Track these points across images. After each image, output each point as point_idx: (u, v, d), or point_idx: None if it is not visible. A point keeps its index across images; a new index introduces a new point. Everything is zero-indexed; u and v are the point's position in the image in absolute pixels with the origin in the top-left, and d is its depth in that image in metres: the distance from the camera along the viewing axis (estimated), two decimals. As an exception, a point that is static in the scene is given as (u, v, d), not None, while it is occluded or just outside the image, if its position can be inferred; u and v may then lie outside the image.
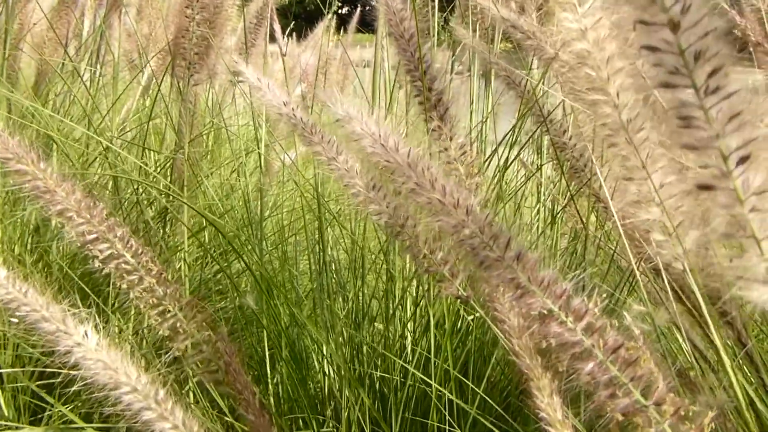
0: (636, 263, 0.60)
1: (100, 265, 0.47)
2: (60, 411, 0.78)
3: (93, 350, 0.41)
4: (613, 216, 0.61)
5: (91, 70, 1.27)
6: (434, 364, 0.79)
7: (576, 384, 0.33)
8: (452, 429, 0.75)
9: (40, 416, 0.83)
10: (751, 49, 0.79)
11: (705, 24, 0.24)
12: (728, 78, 0.25)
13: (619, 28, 0.48)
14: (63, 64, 1.23)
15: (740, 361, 0.60)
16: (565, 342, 0.33)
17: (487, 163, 0.93)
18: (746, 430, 0.52)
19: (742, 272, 0.27)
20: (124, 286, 0.48)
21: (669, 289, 0.53)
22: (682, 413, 0.33)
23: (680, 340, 0.69)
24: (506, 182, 1.02)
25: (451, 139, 0.57)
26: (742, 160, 0.25)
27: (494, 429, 0.69)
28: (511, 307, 0.45)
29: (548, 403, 0.38)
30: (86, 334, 0.41)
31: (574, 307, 0.33)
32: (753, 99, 0.27)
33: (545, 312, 0.33)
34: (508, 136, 0.90)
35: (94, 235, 0.46)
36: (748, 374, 0.63)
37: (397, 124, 0.36)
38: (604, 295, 0.36)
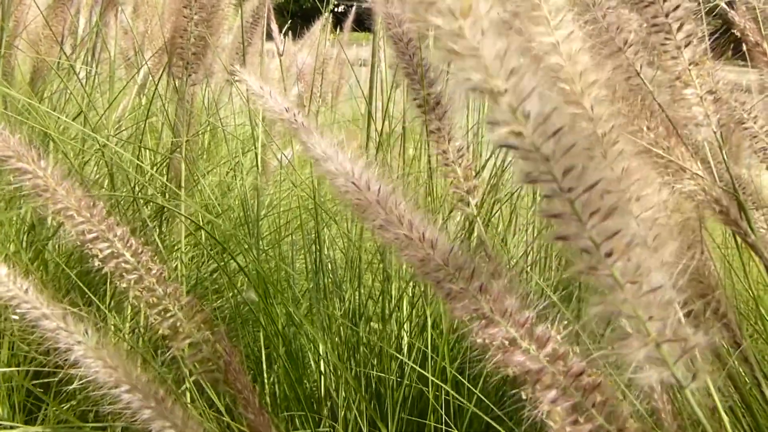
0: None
1: (100, 264, 0.47)
2: (55, 410, 0.78)
3: (93, 348, 0.41)
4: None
5: (87, 68, 1.27)
6: (431, 363, 0.79)
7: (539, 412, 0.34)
8: (449, 429, 0.75)
9: (35, 416, 0.82)
10: (746, 49, 0.80)
11: (551, 123, 0.24)
12: (585, 173, 0.25)
13: (618, 33, 0.49)
14: (59, 61, 1.22)
15: (736, 361, 0.61)
16: (527, 370, 0.33)
17: (484, 165, 0.93)
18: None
19: (632, 355, 0.27)
20: (124, 285, 0.48)
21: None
22: None
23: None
24: (503, 184, 1.03)
25: (449, 142, 0.58)
26: (608, 254, 0.26)
27: (490, 428, 0.69)
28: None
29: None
30: (86, 333, 0.41)
31: (537, 334, 0.33)
32: (615, 187, 0.27)
33: (507, 342, 0.33)
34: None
35: (94, 234, 0.46)
36: (743, 374, 0.64)
37: (368, 163, 0.37)
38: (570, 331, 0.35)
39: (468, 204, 0.60)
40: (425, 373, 0.76)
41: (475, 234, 0.67)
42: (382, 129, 0.95)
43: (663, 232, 0.30)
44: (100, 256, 0.46)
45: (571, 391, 0.32)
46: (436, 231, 0.36)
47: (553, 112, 0.24)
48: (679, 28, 0.50)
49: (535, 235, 1.03)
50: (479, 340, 0.41)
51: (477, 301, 0.34)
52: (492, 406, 0.74)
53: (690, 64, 0.51)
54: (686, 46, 0.51)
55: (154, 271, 0.48)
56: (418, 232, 0.35)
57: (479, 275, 0.35)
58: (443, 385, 0.74)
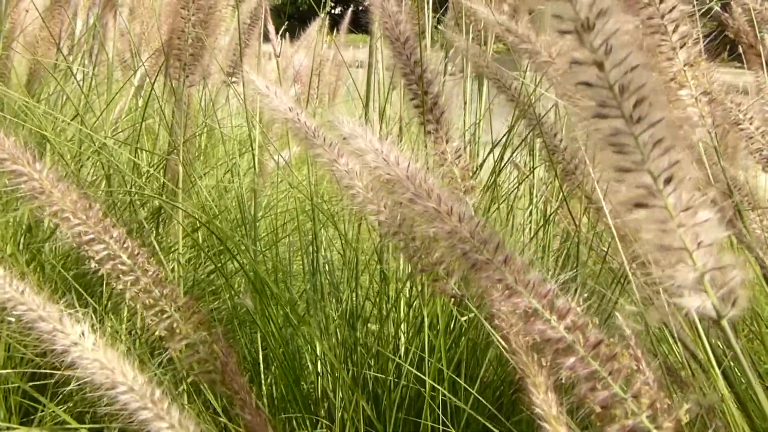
0: (628, 264, 0.61)
1: (96, 266, 0.47)
2: (52, 412, 0.78)
3: (90, 350, 0.41)
4: (605, 216, 0.62)
5: (83, 70, 1.26)
6: (428, 364, 0.79)
7: (559, 378, 0.35)
8: (446, 429, 0.75)
9: (32, 417, 0.82)
10: (742, 51, 0.80)
11: (629, 61, 0.27)
12: (652, 107, 0.28)
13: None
14: (56, 63, 1.22)
15: (730, 361, 0.61)
16: (548, 338, 0.34)
17: (481, 165, 0.94)
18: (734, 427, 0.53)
19: (677, 281, 0.30)
20: (120, 287, 0.48)
21: (660, 288, 0.54)
22: (659, 405, 0.35)
23: (671, 340, 0.70)
24: (500, 184, 1.03)
25: (446, 143, 0.58)
26: (668, 180, 0.28)
27: (487, 428, 0.69)
28: (507, 306, 0.46)
29: (544, 399, 0.39)
30: (83, 334, 0.41)
31: (558, 306, 0.35)
32: (674, 125, 0.30)
33: (530, 311, 0.35)
34: (499, 137, 0.91)
35: (91, 236, 0.46)
36: (738, 374, 0.64)
37: (396, 139, 0.40)
38: (596, 296, 0.37)
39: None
40: (422, 376, 0.76)
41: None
42: (379, 130, 0.95)
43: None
44: (97, 257, 0.46)
45: (589, 359, 0.34)
46: (463, 205, 0.38)
47: (632, 53, 0.27)
48: (675, 30, 0.50)
49: (532, 236, 1.03)
50: (503, 308, 0.42)
51: (501, 272, 0.36)
52: (489, 406, 0.74)
53: (685, 65, 0.52)
54: (681, 47, 0.51)
55: (150, 273, 0.48)
56: (447, 206, 0.37)
57: (504, 248, 0.36)
58: (439, 388, 0.74)
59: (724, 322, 0.31)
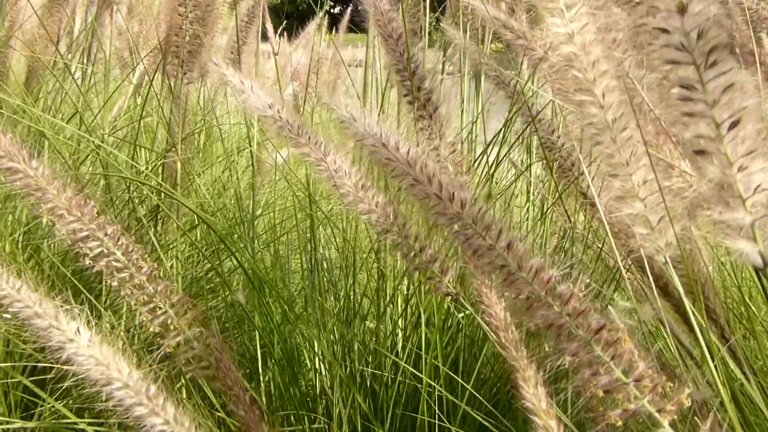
0: (622, 260, 0.61)
1: (91, 263, 0.48)
2: (52, 407, 0.78)
3: (85, 346, 0.41)
4: (599, 212, 0.62)
5: (82, 68, 1.27)
6: (425, 360, 0.80)
7: (561, 363, 0.35)
8: (442, 424, 0.76)
9: (32, 412, 0.83)
10: (737, 50, 0.80)
11: (707, 11, 0.28)
12: (724, 55, 0.28)
13: (606, 30, 0.50)
14: (54, 61, 1.23)
15: (724, 356, 0.61)
16: (551, 324, 0.35)
17: (477, 162, 0.94)
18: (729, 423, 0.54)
19: (729, 224, 0.30)
20: (115, 283, 0.48)
21: (654, 285, 0.54)
22: (661, 390, 0.35)
23: (666, 336, 0.70)
24: (496, 181, 1.03)
25: (440, 138, 0.58)
26: (733, 125, 0.29)
27: (484, 424, 0.70)
28: (497, 301, 0.47)
29: (533, 393, 0.39)
30: (78, 331, 0.42)
31: (560, 292, 0.35)
32: (745, 74, 0.30)
33: (533, 296, 0.35)
34: (498, 135, 0.91)
35: (85, 233, 0.46)
36: (733, 370, 0.65)
37: (396, 124, 0.39)
38: (590, 290, 0.37)
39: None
40: (418, 374, 0.77)
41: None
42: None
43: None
44: (91, 254, 0.47)
45: (591, 344, 0.34)
46: (465, 192, 0.38)
47: (711, 4, 0.28)
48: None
49: (528, 232, 1.04)
50: (494, 302, 0.42)
51: (504, 258, 0.35)
52: (485, 402, 0.74)
53: (678, 63, 0.52)
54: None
55: (144, 270, 0.48)
56: (448, 192, 0.37)
57: (506, 234, 0.36)
58: (435, 385, 0.74)
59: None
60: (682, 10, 0.28)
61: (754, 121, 0.29)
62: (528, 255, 0.36)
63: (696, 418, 0.51)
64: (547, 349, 0.37)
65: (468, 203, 0.36)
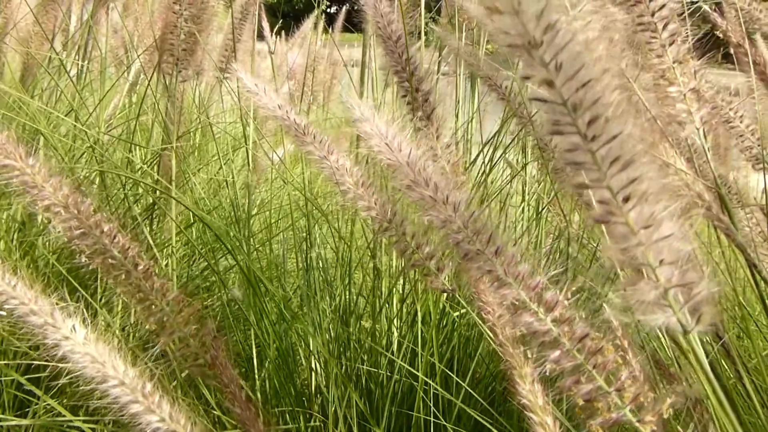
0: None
1: (87, 260, 0.48)
2: (46, 405, 0.78)
3: (81, 344, 0.41)
4: (593, 213, 0.62)
5: (78, 66, 1.26)
6: (420, 358, 0.80)
7: (543, 371, 0.35)
8: (438, 421, 0.76)
9: (26, 410, 0.83)
10: (733, 51, 0.81)
11: (581, 77, 0.25)
12: (608, 124, 0.26)
13: (605, 31, 0.50)
14: (50, 59, 1.22)
15: (717, 355, 0.62)
16: (535, 331, 0.35)
17: (473, 162, 0.94)
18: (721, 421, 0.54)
19: (641, 297, 0.29)
20: (111, 281, 0.48)
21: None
22: (642, 399, 0.35)
23: (661, 335, 0.71)
24: (492, 181, 1.04)
25: (437, 139, 0.58)
26: (626, 198, 0.27)
27: (479, 421, 0.70)
28: (494, 299, 0.47)
29: (530, 390, 0.40)
30: (74, 328, 0.42)
31: (546, 298, 0.35)
32: (633, 141, 0.29)
33: (518, 302, 0.35)
34: (493, 136, 0.92)
35: (81, 231, 0.46)
36: (726, 368, 0.65)
37: (401, 127, 0.40)
38: (585, 290, 0.37)
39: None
40: (415, 372, 0.77)
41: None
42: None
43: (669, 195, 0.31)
44: (87, 252, 0.46)
45: (574, 353, 0.34)
46: (459, 195, 0.38)
47: (583, 67, 0.25)
48: (665, 27, 0.51)
49: (523, 232, 1.04)
50: (491, 299, 0.42)
51: (492, 263, 0.36)
52: (480, 400, 0.74)
53: (674, 62, 0.52)
54: (671, 44, 0.52)
55: (140, 267, 0.48)
56: (443, 195, 0.37)
57: (496, 240, 0.36)
58: (431, 383, 0.74)
59: (691, 337, 0.31)
60: (550, 83, 0.25)
61: (653, 188, 0.27)
62: (516, 260, 0.36)
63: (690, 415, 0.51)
64: (529, 355, 0.37)
65: (460, 207, 0.37)
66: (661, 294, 0.29)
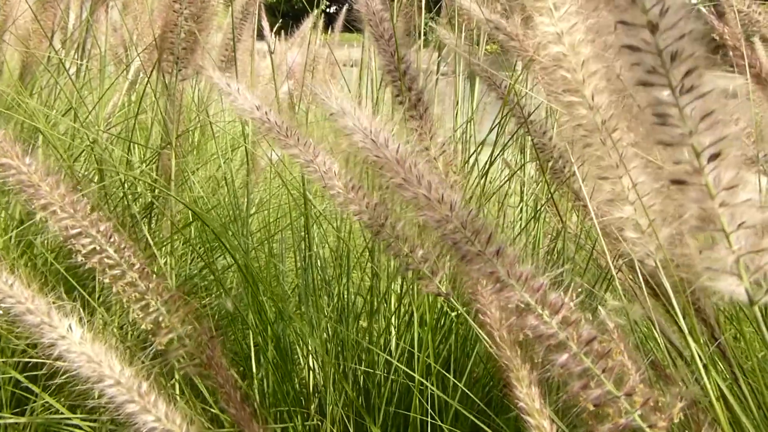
0: (613, 260, 0.61)
1: (83, 259, 0.48)
2: (44, 402, 0.78)
3: (77, 343, 0.42)
4: (590, 214, 0.62)
5: (77, 64, 1.26)
6: (417, 359, 0.80)
7: (551, 375, 0.34)
8: (434, 422, 0.76)
9: (24, 408, 0.83)
10: (731, 54, 0.81)
11: (682, 26, 0.25)
12: (702, 78, 0.26)
13: (596, 32, 0.50)
14: (48, 57, 1.22)
15: (713, 356, 0.62)
16: (540, 334, 0.34)
17: (470, 161, 0.94)
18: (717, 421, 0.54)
19: (711, 264, 0.28)
20: (107, 280, 0.48)
21: (644, 285, 0.54)
22: (652, 404, 0.34)
23: (657, 337, 0.71)
24: (490, 181, 1.04)
25: (431, 138, 0.58)
26: (713, 157, 0.26)
27: (476, 422, 0.70)
28: (492, 301, 0.46)
29: (527, 393, 0.39)
30: (70, 328, 0.42)
31: (551, 301, 0.34)
32: (725, 99, 0.28)
33: (522, 305, 0.34)
34: (491, 136, 0.92)
35: (78, 230, 0.46)
36: (723, 369, 0.65)
37: (386, 121, 0.37)
38: (582, 291, 0.36)
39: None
40: (411, 373, 0.77)
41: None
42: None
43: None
44: (84, 251, 0.47)
45: (581, 356, 0.33)
46: (455, 194, 0.36)
47: (684, 18, 0.24)
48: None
49: (520, 232, 1.04)
50: (492, 303, 0.41)
51: (493, 264, 0.34)
52: (477, 401, 0.75)
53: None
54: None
55: (136, 267, 0.48)
56: (438, 194, 0.35)
57: (496, 240, 0.35)
58: (427, 384, 0.75)
59: (756, 308, 0.29)
60: (653, 27, 0.24)
61: (736, 150, 0.27)
62: (518, 261, 0.35)
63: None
64: (535, 360, 0.36)
65: (457, 205, 0.35)
66: (734, 261, 0.28)
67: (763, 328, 0.38)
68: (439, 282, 0.52)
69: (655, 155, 0.60)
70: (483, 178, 0.90)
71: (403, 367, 0.81)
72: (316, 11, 1.66)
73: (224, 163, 1.20)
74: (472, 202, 0.88)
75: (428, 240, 0.46)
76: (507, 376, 0.43)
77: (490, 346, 0.46)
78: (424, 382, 0.75)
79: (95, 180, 1.06)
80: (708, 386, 0.50)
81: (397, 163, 0.35)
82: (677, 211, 0.30)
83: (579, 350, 0.33)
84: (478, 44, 1.06)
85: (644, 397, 0.34)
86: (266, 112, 0.39)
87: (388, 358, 0.84)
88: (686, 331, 0.50)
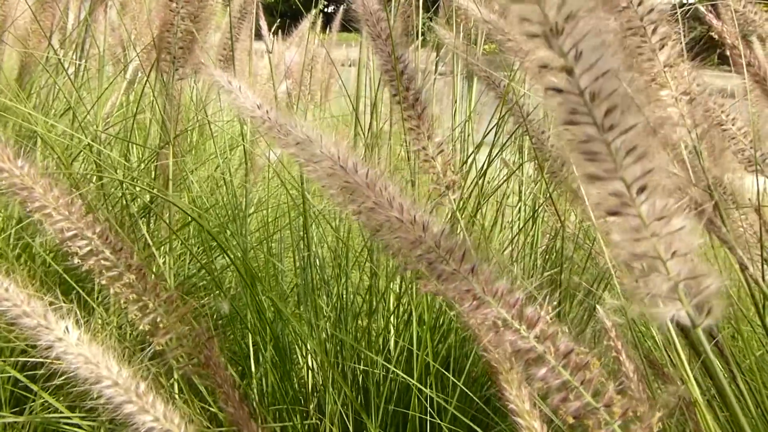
0: (611, 259, 0.61)
1: (80, 261, 0.48)
2: (43, 402, 0.79)
3: (74, 345, 0.42)
4: (589, 214, 0.63)
5: (75, 64, 1.26)
6: (416, 358, 0.80)
7: (532, 389, 0.34)
8: (433, 420, 0.76)
9: (23, 407, 0.83)
10: (729, 53, 0.81)
11: (600, 66, 0.25)
12: (624, 115, 0.26)
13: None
14: (47, 57, 1.22)
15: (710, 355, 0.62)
16: (519, 349, 0.34)
17: (469, 161, 0.94)
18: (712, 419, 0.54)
19: (652, 290, 0.29)
20: (104, 282, 0.48)
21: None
22: (631, 414, 0.34)
23: (655, 335, 0.71)
24: (488, 181, 1.04)
25: (429, 138, 0.58)
26: (641, 189, 0.27)
27: (475, 419, 0.70)
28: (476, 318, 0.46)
29: (517, 395, 0.40)
30: (67, 329, 0.42)
31: (527, 315, 0.34)
32: (648, 134, 0.28)
33: (499, 321, 0.34)
34: (489, 135, 0.92)
35: (73, 232, 0.46)
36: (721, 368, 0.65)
37: (354, 145, 0.37)
38: (580, 290, 0.36)
39: (448, 199, 0.61)
40: (410, 372, 0.77)
41: (458, 230, 0.67)
42: (369, 126, 0.96)
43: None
44: (80, 253, 0.47)
45: (559, 369, 0.33)
46: (427, 214, 0.36)
47: (602, 57, 0.25)
48: (654, 31, 0.51)
49: (518, 231, 1.04)
50: (471, 321, 0.41)
51: (468, 282, 0.35)
52: (476, 399, 0.75)
53: (665, 66, 0.52)
54: (661, 48, 0.52)
55: (133, 268, 0.48)
56: (410, 215, 0.35)
57: (470, 257, 0.35)
58: (426, 384, 0.75)
59: (699, 331, 0.31)
60: (569, 71, 0.25)
61: (664, 181, 0.27)
62: (493, 277, 0.35)
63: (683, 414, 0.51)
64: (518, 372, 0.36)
65: (429, 226, 0.35)
66: (672, 287, 0.29)
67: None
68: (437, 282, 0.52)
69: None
70: (481, 178, 0.90)
71: (401, 367, 0.81)
72: (314, 11, 1.67)
73: (223, 162, 1.20)
74: (471, 201, 0.88)
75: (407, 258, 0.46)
76: (497, 378, 0.43)
77: (482, 350, 0.46)
78: (423, 382, 0.75)
79: (93, 180, 1.06)
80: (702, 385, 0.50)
81: (367, 187, 0.36)
82: (613, 242, 0.31)
83: (557, 363, 0.34)
84: (476, 44, 1.06)
85: (623, 408, 0.34)
86: (267, 111, 0.40)
87: (387, 357, 0.84)
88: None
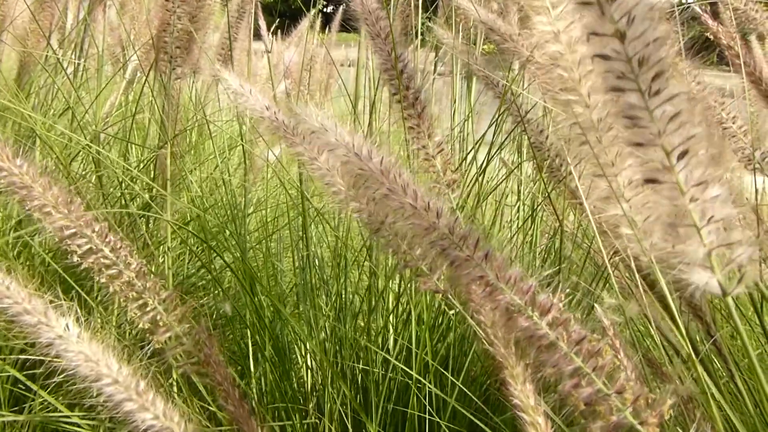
0: (609, 258, 0.61)
1: (79, 260, 0.48)
2: (43, 400, 0.79)
3: (74, 342, 0.42)
4: (586, 212, 0.63)
5: (74, 63, 1.26)
6: (415, 357, 0.80)
7: (543, 375, 0.35)
8: (432, 419, 0.77)
9: (23, 406, 0.83)
10: (726, 53, 0.81)
11: (649, 34, 0.26)
12: (669, 82, 0.27)
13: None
14: (46, 56, 1.22)
15: (709, 352, 0.62)
16: (531, 335, 0.34)
17: (468, 160, 0.94)
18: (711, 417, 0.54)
19: (685, 257, 0.29)
20: (104, 280, 0.48)
21: (640, 282, 0.55)
22: (643, 401, 0.35)
23: (653, 334, 0.71)
24: (487, 180, 1.04)
25: (429, 137, 0.58)
26: (682, 155, 0.28)
27: (473, 419, 0.70)
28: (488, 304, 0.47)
29: (521, 390, 0.40)
30: (67, 327, 0.42)
31: (540, 302, 0.34)
32: (692, 101, 0.29)
33: (513, 307, 0.34)
34: (487, 135, 0.92)
35: (72, 231, 0.46)
36: (719, 366, 0.66)
37: (369, 133, 0.38)
38: (579, 290, 0.37)
39: (448, 198, 0.61)
40: (409, 371, 0.77)
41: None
42: (369, 126, 0.96)
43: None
44: (79, 252, 0.47)
45: (572, 356, 0.34)
46: (440, 201, 0.37)
47: (651, 25, 0.26)
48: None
49: (517, 230, 1.04)
50: (482, 308, 0.42)
51: (482, 268, 0.35)
52: (474, 398, 0.75)
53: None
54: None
55: (133, 266, 0.48)
56: (424, 202, 0.36)
57: (483, 244, 0.36)
58: (425, 383, 0.75)
59: (729, 299, 0.31)
60: (621, 36, 0.26)
61: (704, 149, 0.28)
62: (506, 264, 0.35)
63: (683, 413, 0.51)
64: (527, 361, 0.37)
65: (443, 213, 0.36)
66: (706, 254, 0.29)
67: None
68: (437, 279, 0.52)
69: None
70: (480, 177, 0.90)
71: (401, 365, 0.81)
72: (313, 11, 1.67)
73: (222, 162, 1.20)
74: (470, 200, 0.88)
75: (420, 244, 0.47)
76: (502, 373, 0.44)
77: (487, 344, 0.47)
78: (422, 380, 0.76)
79: (93, 180, 1.06)
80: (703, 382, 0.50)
81: (381, 174, 0.36)
82: (652, 208, 0.31)
83: (569, 350, 0.34)
84: (475, 44, 1.06)
85: (634, 395, 0.35)
86: (275, 112, 0.40)
87: (386, 356, 0.84)
88: (683, 329, 0.51)
